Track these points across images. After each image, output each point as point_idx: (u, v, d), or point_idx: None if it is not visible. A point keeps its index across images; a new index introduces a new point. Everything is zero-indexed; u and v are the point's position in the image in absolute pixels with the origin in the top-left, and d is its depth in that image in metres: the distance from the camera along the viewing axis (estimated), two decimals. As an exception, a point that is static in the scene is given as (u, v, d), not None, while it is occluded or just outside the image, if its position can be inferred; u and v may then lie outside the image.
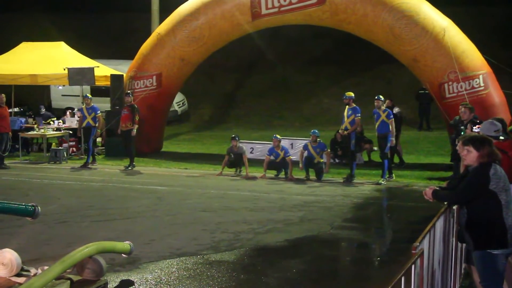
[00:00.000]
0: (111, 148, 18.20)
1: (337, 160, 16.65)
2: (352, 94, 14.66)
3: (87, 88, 21.21)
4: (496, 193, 5.08)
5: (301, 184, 14.15)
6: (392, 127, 14.08)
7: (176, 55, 17.86)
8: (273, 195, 12.71)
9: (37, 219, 6.81)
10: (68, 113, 20.65)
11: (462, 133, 11.39)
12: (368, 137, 17.36)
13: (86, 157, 16.80)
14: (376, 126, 14.27)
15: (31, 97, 26.19)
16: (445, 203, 5.78)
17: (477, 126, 10.39)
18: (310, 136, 15.05)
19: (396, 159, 16.15)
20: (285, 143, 15.97)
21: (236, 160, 15.27)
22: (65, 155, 17.50)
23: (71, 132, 18.99)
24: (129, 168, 16.01)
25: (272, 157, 15.02)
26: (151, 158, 17.59)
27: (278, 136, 15.28)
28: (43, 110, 21.27)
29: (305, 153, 14.80)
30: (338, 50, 28.76)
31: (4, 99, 16.16)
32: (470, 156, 5.25)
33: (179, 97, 24.86)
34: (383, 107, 14.36)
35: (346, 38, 22.38)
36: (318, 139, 14.92)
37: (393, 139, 14.25)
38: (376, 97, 14.38)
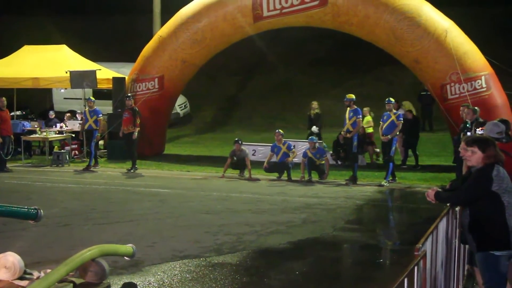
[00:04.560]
0: (113, 151, 18.21)
1: (339, 162, 16.65)
2: (353, 96, 14.66)
3: (89, 91, 21.21)
4: (498, 194, 5.06)
5: (303, 186, 14.15)
6: (398, 128, 14.09)
7: (178, 58, 17.88)
8: (275, 197, 12.71)
9: (40, 222, 6.84)
10: (66, 116, 20.62)
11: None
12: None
13: (88, 160, 16.82)
14: (384, 127, 14.19)
15: (33, 100, 26.24)
16: (448, 204, 5.78)
17: (480, 128, 10.37)
18: (308, 143, 15.12)
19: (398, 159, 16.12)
20: (287, 144, 16.03)
21: (239, 163, 15.32)
22: (67, 158, 17.51)
23: (73, 135, 19.02)
24: (131, 170, 16.02)
25: (274, 155, 15.13)
26: (153, 161, 17.59)
27: (281, 131, 15.43)
28: (52, 115, 21.13)
29: (305, 160, 14.83)
30: (340, 52, 28.77)
31: (5, 103, 16.17)
32: (474, 157, 5.21)
33: (181, 99, 24.87)
34: (394, 110, 14.36)
35: (348, 40, 22.36)
36: (317, 145, 14.95)
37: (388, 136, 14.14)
38: (386, 101, 14.35)
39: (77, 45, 22.26)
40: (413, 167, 16.17)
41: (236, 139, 15.65)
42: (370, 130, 17.22)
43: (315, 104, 18.56)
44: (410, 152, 16.61)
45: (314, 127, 17.90)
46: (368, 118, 17.51)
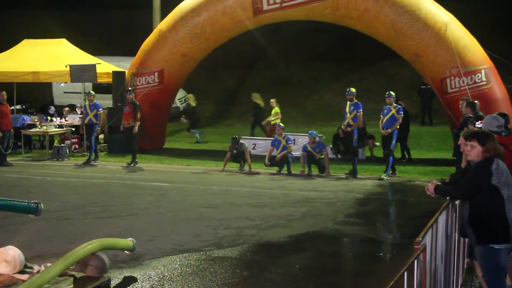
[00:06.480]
0: (114, 145, 18.22)
1: (339, 156, 16.66)
2: (354, 90, 14.67)
3: (89, 85, 21.21)
4: (498, 187, 5.07)
5: (303, 180, 14.15)
6: (398, 122, 14.07)
7: (178, 52, 17.86)
8: (275, 191, 12.73)
9: (40, 216, 6.83)
10: (64, 110, 20.61)
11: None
12: (371, 132, 17.35)
13: (88, 154, 16.83)
14: (384, 120, 14.17)
15: (33, 94, 26.23)
16: (448, 198, 5.79)
17: (479, 121, 10.36)
18: (308, 137, 15.13)
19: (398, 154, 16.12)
20: (287, 138, 16.03)
21: (239, 157, 15.34)
22: (68, 152, 17.52)
23: (73, 129, 19.02)
24: (132, 164, 16.02)
25: (274, 150, 15.13)
26: (153, 155, 17.60)
27: (281, 124, 15.45)
28: (52, 110, 21.18)
29: (305, 155, 14.83)
30: (340, 46, 28.73)
31: (5, 97, 16.17)
32: (474, 151, 5.22)
33: (181, 93, 24.83)
34: (394, 104, 14.36)
35: (348, 34, 22.34)
36: (316, 139, 14.95)
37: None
38: (387, 94, 14.32)
39: (77, 39, 22.23)
40: (408, 161, 16.17)
41: (234, 136, 15.52)
42: (278, 121, 17.37)
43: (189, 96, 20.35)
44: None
45: (183, 117, 19.84)
46: (276, 109, 17.69)
